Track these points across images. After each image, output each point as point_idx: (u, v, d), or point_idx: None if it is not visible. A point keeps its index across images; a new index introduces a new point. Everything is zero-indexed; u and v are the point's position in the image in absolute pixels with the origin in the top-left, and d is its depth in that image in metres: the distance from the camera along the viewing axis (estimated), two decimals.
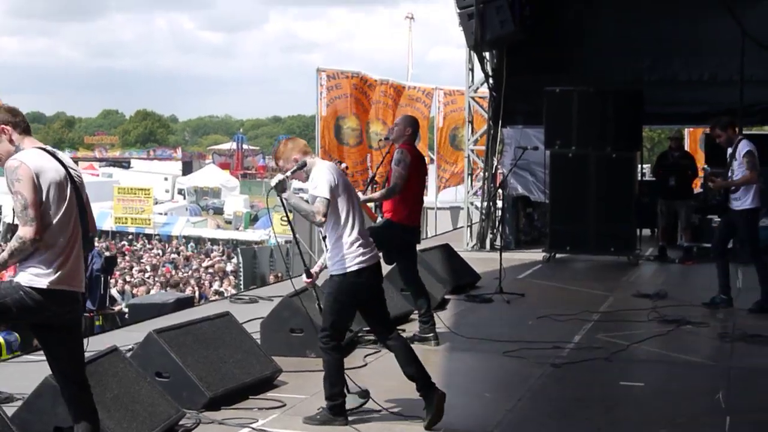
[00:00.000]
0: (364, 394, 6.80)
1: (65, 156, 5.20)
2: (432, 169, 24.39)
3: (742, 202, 10.75)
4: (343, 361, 6.60)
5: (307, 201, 6.47)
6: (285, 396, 7.12)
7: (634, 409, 7.19)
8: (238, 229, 53.03)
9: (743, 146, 10.74)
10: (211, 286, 28.47)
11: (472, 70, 17.38)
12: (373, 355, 8.61)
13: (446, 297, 11.37)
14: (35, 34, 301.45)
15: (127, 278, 28.68)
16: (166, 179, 68.29)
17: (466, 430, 6.36)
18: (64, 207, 4.93)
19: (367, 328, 9.00)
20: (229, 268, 33.26)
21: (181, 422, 6.44)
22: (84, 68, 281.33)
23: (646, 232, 17.56)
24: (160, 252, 42.33)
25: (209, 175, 71.49)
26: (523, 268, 12.55)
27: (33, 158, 4.90)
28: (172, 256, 40.63)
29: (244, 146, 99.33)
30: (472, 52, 16.85)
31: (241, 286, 25.87)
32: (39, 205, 4.81)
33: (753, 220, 10.88)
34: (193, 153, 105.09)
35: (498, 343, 9.12)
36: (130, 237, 47.01)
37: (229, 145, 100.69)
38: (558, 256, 15.42)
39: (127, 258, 38.41)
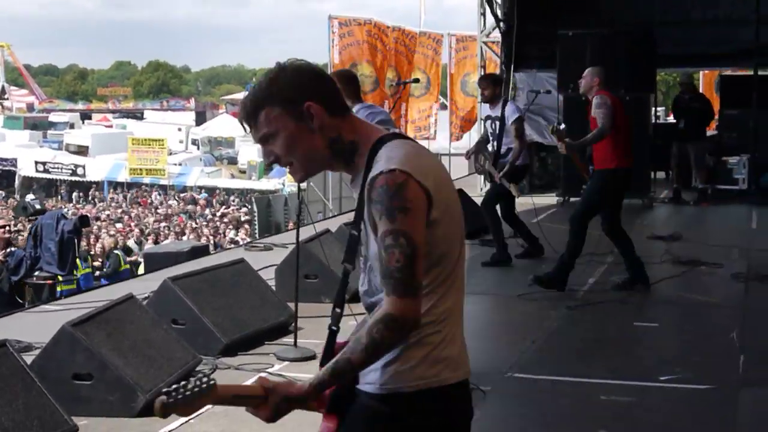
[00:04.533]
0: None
1: None
2: (445, 116, 24.26)
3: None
4: None
5: None
6: (300, 341, 7.11)
7: (649, 350, 7.22)
8: (251, 178, 53.01)
9: (512, 111, 10.30)
10: (225, 235, 28.58)
11: (483, 14, 17.24)
12: None
13: None
14: None
15: (143, 228, 28.82)
16: (179, 130, 68.00)
17: (482, 371, 6.38)
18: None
19: None
20: (244, 217, 33.34)
21: (197, 368, 6.49)
22: (97, 19, 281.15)
23: (661, 174, 17.50)
24: (174, 202, 42.44)
25: (223, 125, 71.31)
26: (537, 213, 12.56)
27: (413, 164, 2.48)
28: (188, 206, 40.74)
29: None
30: None
31: (256, 235, 25.94)
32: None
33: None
34: (207, 103, 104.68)
35: (512, 286, 9.14)
36: (144, 188, 47.05)
37: (242, 95, 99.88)
38: (572, 199, 15.36)
39: (142, 209, 38.59)
